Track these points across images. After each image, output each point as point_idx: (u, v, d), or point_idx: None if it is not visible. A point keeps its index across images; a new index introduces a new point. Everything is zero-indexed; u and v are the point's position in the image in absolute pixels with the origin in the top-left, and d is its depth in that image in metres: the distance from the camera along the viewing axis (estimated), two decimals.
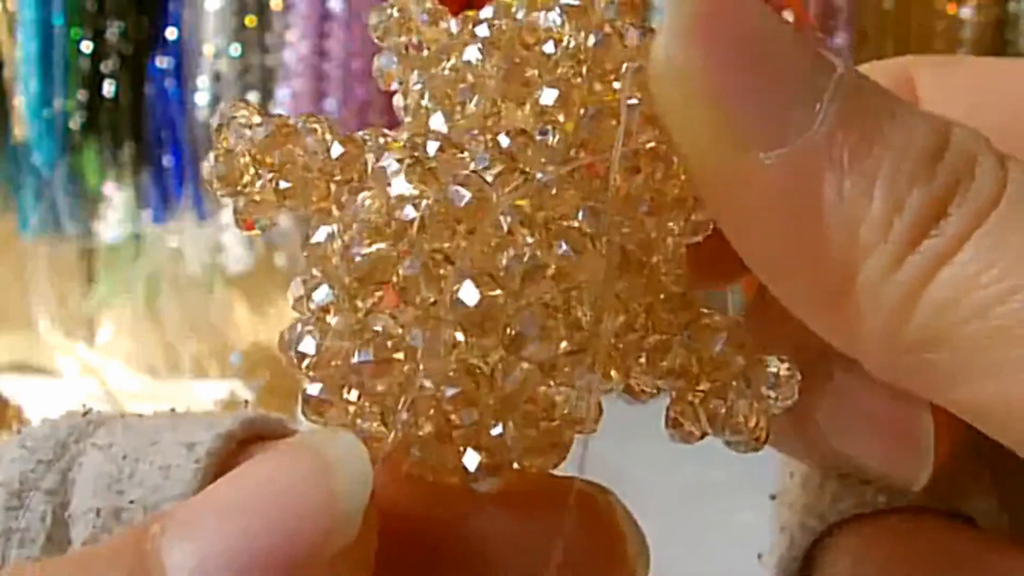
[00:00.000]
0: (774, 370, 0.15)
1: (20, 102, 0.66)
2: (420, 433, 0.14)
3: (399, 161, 0.14)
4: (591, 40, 0.15)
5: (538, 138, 0.15)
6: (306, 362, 0.14)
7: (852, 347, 0.14)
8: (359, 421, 0.14)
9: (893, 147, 0.14)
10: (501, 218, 0.14)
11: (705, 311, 0.15)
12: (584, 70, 0.15)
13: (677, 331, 0.15)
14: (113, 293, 0.80)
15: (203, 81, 0.63)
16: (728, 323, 0.15)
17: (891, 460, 0.16)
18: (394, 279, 0.14)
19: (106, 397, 0.75)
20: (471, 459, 0.14)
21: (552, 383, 0.14)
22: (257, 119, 0.15)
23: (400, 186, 0.14)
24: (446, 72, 0.16)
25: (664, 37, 0.14)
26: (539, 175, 0.14)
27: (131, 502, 0.14)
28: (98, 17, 0.63)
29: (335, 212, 0.15)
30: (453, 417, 0.14)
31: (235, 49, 0.62)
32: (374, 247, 0.14)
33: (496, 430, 0.14)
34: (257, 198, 0.15)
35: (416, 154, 0.14)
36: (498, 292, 0.13)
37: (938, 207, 0.14)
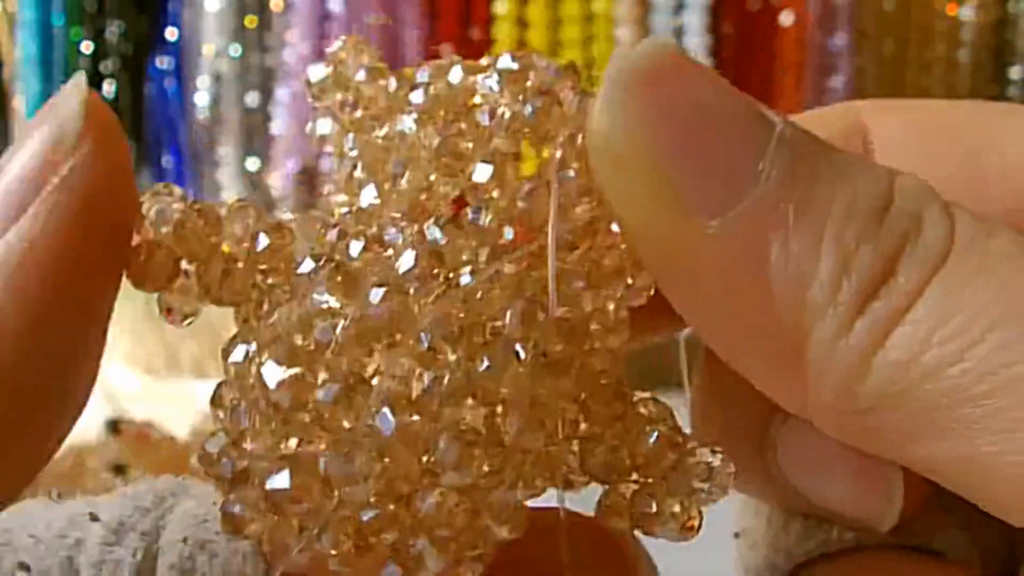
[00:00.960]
0: (707, 462, 0.15)
1: (20, 102, 0.66)
2: (336, 551, 0.14)
3: (319, 268, 0.14)
4: (527, 109, 0.15)
5: (470, 217, 0.14)
6: (223, 483, 0.14)
7: (803, 410, 0.14)
8: (278, 535, 0.14)
9: (838, 204, 0.14)
10: (422, 335, 0.13)
11: (639, 398, 0.15)
12: (522, 139, 0.15)
13: (609, 424, 0.15)
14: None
15: (203, 81, 0.62)
16: (661, 413, 0.15)
17: (857, 503, 0.16)
18: (310, 404, 0.14)
19: (106, 397, 0.75)
20: (392, 573, 0.14)
21: (469, 503, 0.14)
22: (177, 206, 0.15)
23: (319, 298, 0.14)
24: (380, 140, 0.15)
25: (599, 103, 0.14)
26: (465, 279, 0.14)
27: (216, 533, 0.15)
28: (98, 17, 0.63)
29: (254, 324, 0.15)
30: (371, 538, 0.14)
31: (235, 49, 0.62)
32: (288, 373, 0.14)
33: (415, 549, 0.14)
34: (180, 290, 0.15)
35: (336, 257, 0.14)
36: (415, 418, 0.13)
37: (886, 265, 0.13)
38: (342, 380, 0.13)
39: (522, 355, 0.13)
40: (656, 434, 0.15)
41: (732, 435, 0.17)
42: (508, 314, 0.14)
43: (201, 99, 0.62)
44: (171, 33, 0.63)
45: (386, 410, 0.13)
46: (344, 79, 0.16)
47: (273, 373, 0.14)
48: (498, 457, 0.14)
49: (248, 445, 0.14)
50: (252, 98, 0.62)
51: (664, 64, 0.14)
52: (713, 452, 0.15)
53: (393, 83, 0.16)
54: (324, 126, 0.16)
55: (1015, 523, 0.13)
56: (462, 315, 0.14)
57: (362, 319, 0.14)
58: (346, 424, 0.13)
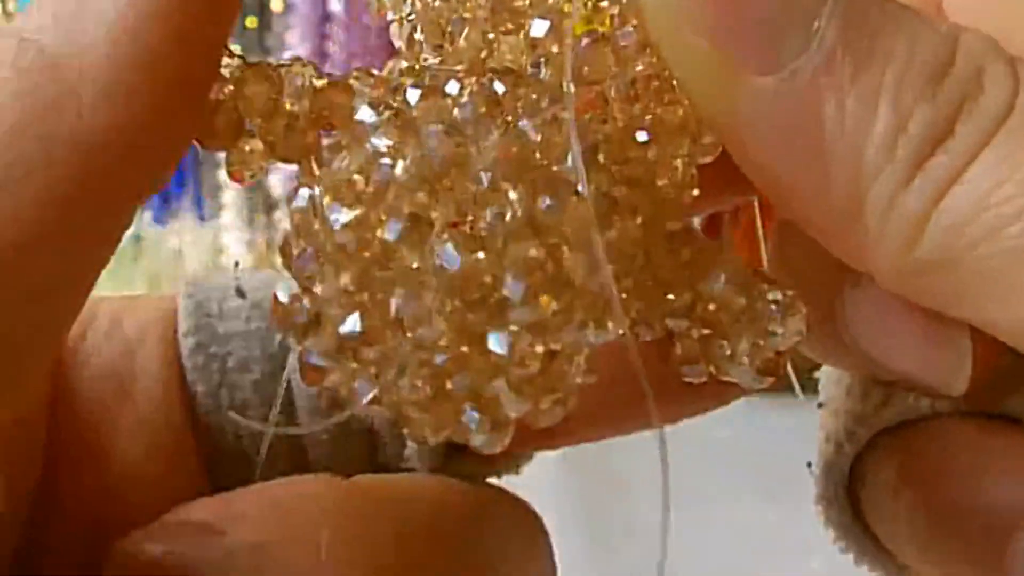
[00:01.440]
0: (777, 305, 0.15)
1: None
2: (415, 397, 0.14)
3: (378, 113, 0.14)
4: None
5: (530, 72, 0.14)
6: (297, 332, 0.14)
7: (865, 268, 0.14)
8: (357, 383, 0.14)
9: (896, 62, 0.13)
10: (482, 174, 0.13)
11: (706, 242, 0.15)
12: None
13: (677, 269, 0.15)
14: (114, 293, 0.79)
15: None
16: (731, 258, 0.15)
17: (926, 367, 0.16)
18: (375, 245, 0.13)
19: None
20: (471, 418, 0.14)
21: (543, 342, 0.14)
22: (235, 62, 0.15)
23: (378, 142, 0.14)
24: (437, 2, 0.15)
25: None
26: (522, 123, 0.14)
27: None
28: None
29: (316, 171, 0.15)
30: (447, 382, 0.13)
31: (235, 50, 0.62)
32: (352, 214, 0.13)
33: (492, 392, 0.13)
34: (246, 148, 0.15)
35: (395, 104, 0.14)
36: (480, 254, 0.13)
37: (945, 124, 0.13)
38: (404, 219, 0.13)
39: (583, 192, 0.13)
40: (723, 276, 0.15)
41: (804, 298, 0.17)
42: (569, 156, 0.14)
43: None
44: None
45: (449, 246, 0.13)
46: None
47: (337, 215, 0.13)
48: (566, 295, 0.13)
49: (318, 290, 0.14)
50: None
51: None
52: (785, 294, 0.15)
53: None
54: None
55: None
56: (522, 156, 0.14)
57: (421, 159, 0.13)
58: (413, 264, 0.13)
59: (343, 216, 0.13)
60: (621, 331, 0.14)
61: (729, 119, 0.14)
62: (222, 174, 0.61)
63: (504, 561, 0.17)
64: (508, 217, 0.13)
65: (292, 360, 0.16)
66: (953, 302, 0.14)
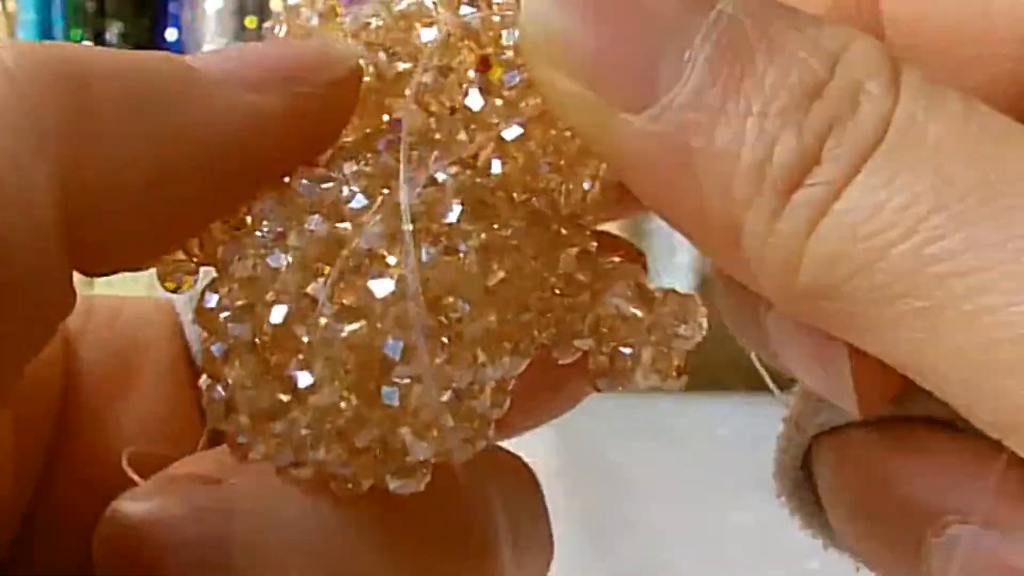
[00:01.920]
0: (677, 311, 0.15)
1: None
2: (332, 457, 0.14)
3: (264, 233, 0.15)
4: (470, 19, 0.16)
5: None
6: (219, 416, 0.15)
7: (758, 292, 0.14)
8: (277, 454, 0.14)
9: (765, 86, 0.13)
10: (363, 243, 0.14)
11: (608, 262, 0.15)
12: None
13: (580, 292, 0.15)
14: (114, 293, 0.79)
15: None
16: (625, 274, 0.15)
17: (822, 386, 0.16)
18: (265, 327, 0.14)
19: None
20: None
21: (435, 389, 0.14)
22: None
23: (263, 238, 0.15)
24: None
25: None
26: (400, 199, 0.14)
27: None
28: (98, 18, 0.63)
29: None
30: (355, 439, 0.14)
31: None
32: (239, 303, 0.14)
33: (397, 440, 0.14)
34: (171, 259, 0.16)
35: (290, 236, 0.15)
36: (361, 323, 0.14)
37: (812, 151, 0.13)
38: (292, 300, 0.14)
39: (462, 248, 0.14)
40: (620, 292, 0.15)
41: (738, 317, 0.16)
42: (450, 214, 0.14)
43: None
44: (171, 34, 0.63)
45: (332, 320, 0.14)
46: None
47: (228, 312, 0.14)
48: (455, 344, 0.14)
49: (229, 377, 0.14)
50: None
51: None
52: (682, 298, 0.15)
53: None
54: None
55: (968, 417, 0.13)
56: (407, 225, 0.14)
57: (304, 246, 0.14)
58: (304, 339, 0.14)
59: (237, 311, 0.14)
60: (519, 365, 0.15)
61: (609, 154, 0.14)
62: None
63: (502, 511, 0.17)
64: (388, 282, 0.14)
65: None
66: (838, 328, 0.13)
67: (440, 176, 0.14)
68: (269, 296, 0.14)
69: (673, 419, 0.58)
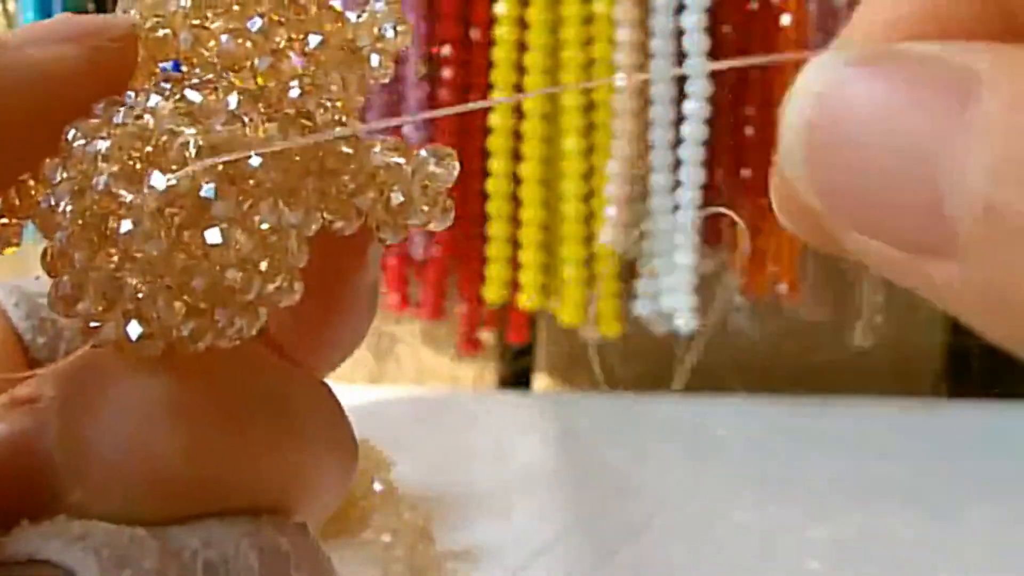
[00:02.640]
0: (434, 154, 0.17)
1: None
2: (175, 320, 0.16)
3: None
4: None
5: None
6: (67, 305, 0.16)
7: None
8: (128, 328, 0.16)
9: None
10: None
11: (362, 143, 0.17)
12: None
13: (346, 164, 0.17)
14: None
15: None
16: (375, 141, 0.17)
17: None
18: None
19: None
20: (221, 316, 0.16)
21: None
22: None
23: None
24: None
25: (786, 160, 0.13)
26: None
27: None
28: None
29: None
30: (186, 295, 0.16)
31: None
32: (70, 185, 0.16)
33: (227, 283, 0.15)
34: None
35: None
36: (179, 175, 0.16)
37: None
38: (118, 167, 0.16)
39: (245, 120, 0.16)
40: (379, 148, 0.17)
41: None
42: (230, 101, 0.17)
43: None
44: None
45: (156, 173, 0.15)
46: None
47: (63, 197, 0.16)
48: (255, 192, 0.16)
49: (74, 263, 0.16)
50: None
51: (831, 112, 0.12)
52: (435, 147, 0.17)
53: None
54: None
55: None
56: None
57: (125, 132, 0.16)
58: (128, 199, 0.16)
59: (67, 197, 0.16)
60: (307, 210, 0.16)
61: (937, 299, 0.12)
62: None
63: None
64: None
65: None
66: None
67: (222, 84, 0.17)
68: (94, 180, 0.16)
69: (673, 419, 0.58)
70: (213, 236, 0.15)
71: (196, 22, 0.18)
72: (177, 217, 0.15)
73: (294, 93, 0.17)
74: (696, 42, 0.56)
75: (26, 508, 0.15)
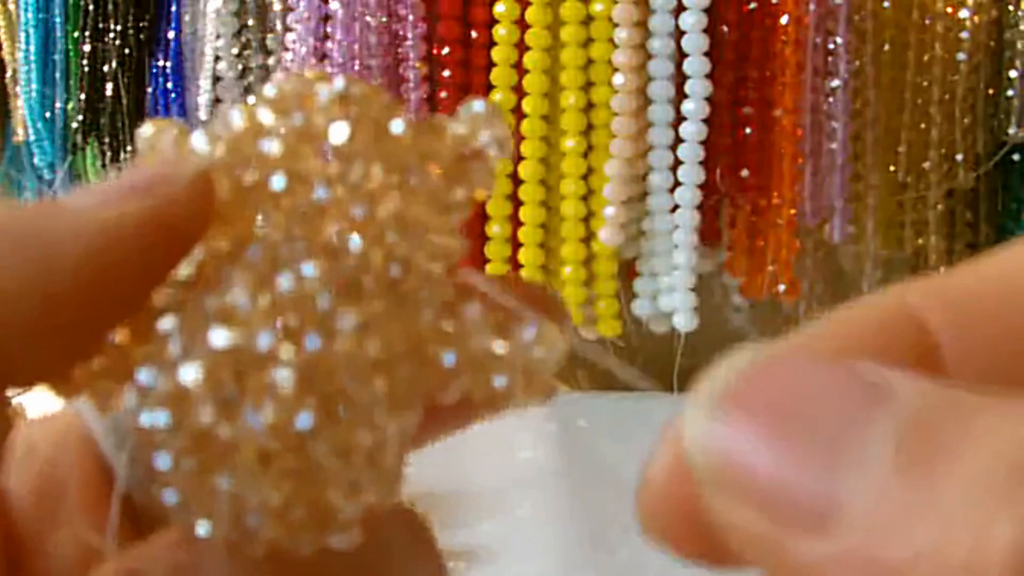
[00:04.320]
0: (535, 335, 0.17)
1: (21, 103, 0.66)
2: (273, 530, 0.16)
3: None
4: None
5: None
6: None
7: None
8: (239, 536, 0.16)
9: (965, 473, 0.11)
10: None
11: (459, 313, 0.17)
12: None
13: (448, 340, 0.17)
14: None
15: (203, 82, 0.63)
16: (487, 320, 0.17)
17: None
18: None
19: None
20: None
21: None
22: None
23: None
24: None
25: (693, 411, 0.13)
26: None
27: None
28: (98, 18, 0.63)
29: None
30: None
31: (235, 50, 0.62)
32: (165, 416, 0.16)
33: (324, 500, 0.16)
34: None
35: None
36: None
37: None
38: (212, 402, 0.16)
39: (342, 329, 0.16)
40: (483, 332, 0.17)
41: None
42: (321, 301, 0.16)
43: (201, 100, 0.63)
44: (171, 34, 0.63)
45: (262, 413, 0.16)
46: None
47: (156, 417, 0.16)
48: (351, 413, 0.16)
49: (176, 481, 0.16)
50: (252, 99, 0.62)
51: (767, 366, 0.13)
52: (538, 323, 0.17)
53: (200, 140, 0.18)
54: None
55: None
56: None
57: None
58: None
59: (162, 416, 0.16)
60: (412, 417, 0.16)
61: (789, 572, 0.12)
62: None
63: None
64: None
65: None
66: None
67: (307, 270, 0.16)
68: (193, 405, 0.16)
69: (673, 419, 0.58)
70: (322, 459, 0.15)
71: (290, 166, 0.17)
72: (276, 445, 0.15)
73: (394, 271, 0.16)
74: (695, 42, 0.56)
75: None
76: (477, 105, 0.18)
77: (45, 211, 0.16)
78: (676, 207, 0.57)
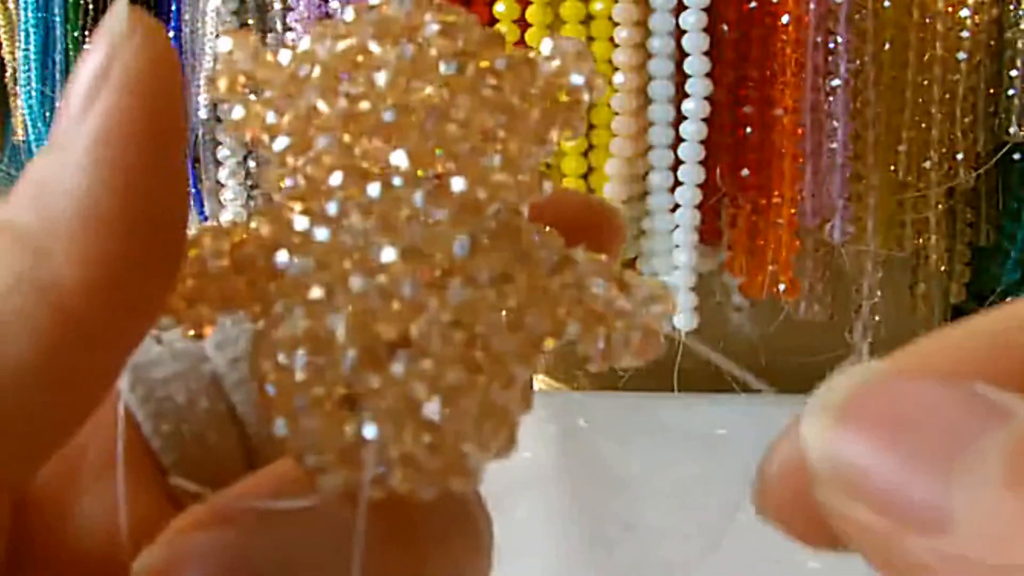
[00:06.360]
0: (648, 292, 0.17)
1: (21, 103, 0.66)
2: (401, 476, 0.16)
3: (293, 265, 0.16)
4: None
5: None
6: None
7: None
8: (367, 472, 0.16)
9: None
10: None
11: (578, 263, 0.16)
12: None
13: (566, 290, 0.16)
14: None
15: (203, 82, 0.63)
16: (599, 268, 0.16)
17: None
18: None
19: None
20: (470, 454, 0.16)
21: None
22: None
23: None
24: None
25: (812, 418, 0.14)
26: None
27: None
28: (99, 18, 0.63)
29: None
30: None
31: None
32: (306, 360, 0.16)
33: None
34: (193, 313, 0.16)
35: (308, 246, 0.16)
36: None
37: None
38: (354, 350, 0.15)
39: (481, 279, 0.15)
40: (601, 281, 0.16)
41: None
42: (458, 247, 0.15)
43: (201, 99, 0.63)
44: (171, 34, 0.63)
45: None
46: (234, 75, 0.17)
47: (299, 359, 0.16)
48: (488, 361, 0.16)
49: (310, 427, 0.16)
50: (251, 99, 0.62)
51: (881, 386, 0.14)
52: (652, 285, 0.17)
53: (285, 56, 0.17)
54: (237, 112, 0.18)
55: None
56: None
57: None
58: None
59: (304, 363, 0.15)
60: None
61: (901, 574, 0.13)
62: (222, 174, 0.62)
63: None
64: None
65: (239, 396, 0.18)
66: None
67: (437, 214, 0.16)
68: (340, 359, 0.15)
69: (673, 419, 0.58)
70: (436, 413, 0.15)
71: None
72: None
73: (493, 209, 0.16)
74: (695, 41, 0.56)
75: None
76: (568, 44, 0.18)
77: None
78: (676, 206, 0.57)
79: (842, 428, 0.14)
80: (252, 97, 0.17)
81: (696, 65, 0.56)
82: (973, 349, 0.16)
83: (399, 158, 0.16)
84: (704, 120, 0.57)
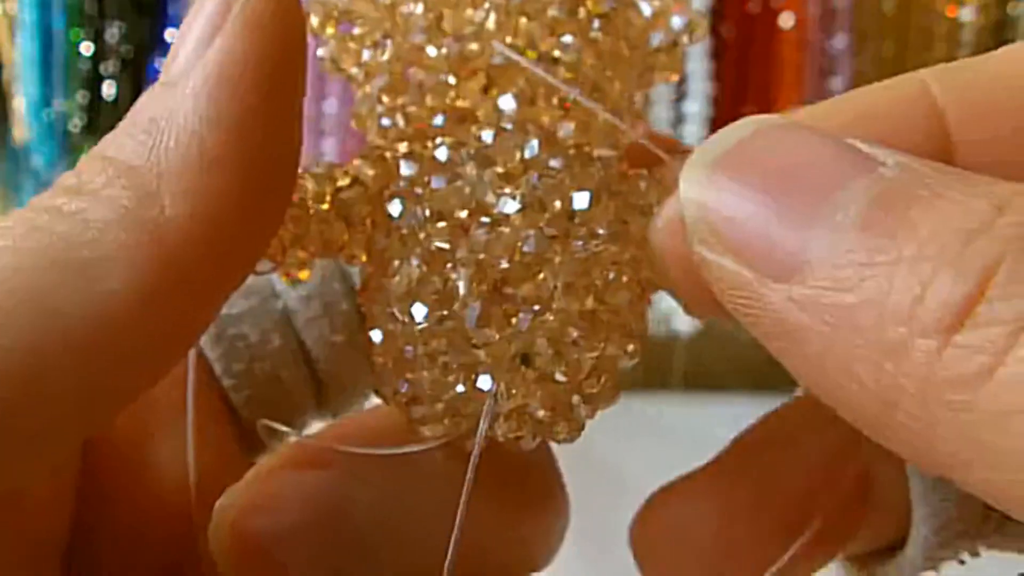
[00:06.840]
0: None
1: (20, 104, 0.66)
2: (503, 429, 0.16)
3: (406, 211, 0.16)
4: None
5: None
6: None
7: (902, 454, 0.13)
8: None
9: (920, 233, 0.12)
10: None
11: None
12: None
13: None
14: None
15: None
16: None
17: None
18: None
19: None
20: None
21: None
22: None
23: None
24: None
25: (689, 169, 0.14)
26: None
27: None
28: (98, 19, 0.63)
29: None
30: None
31: None
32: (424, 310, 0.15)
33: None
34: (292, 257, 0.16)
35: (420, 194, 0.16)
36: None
37: (973, 290, 0.11)
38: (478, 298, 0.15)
39: (600, 232, 0.15)
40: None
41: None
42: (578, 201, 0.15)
43: None
44: (171, 34, 0.63)
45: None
46: (330, 9, 0.17)
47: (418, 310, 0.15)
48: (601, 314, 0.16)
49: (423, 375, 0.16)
50: None
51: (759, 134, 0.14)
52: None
53: None
54: (330, 48, 0.17)
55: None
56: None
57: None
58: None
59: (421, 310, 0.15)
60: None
61: (761, 328, 0.13)
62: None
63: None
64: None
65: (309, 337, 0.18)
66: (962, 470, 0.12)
67: (553, 163, 0.15)
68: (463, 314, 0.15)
69: (673, 419, 0.58)
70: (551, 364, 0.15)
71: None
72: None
73: (565, 131, 0.16)
74: (696, 44, 0.56)
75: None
76: None
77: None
78: None
79: (716, 176, 0.14)
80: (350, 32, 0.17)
81: (697, 66, 0.56)
82: (880, 105, 0.16)
83: (507, 103, 0.15)
84: (705, 120, 0.56)
